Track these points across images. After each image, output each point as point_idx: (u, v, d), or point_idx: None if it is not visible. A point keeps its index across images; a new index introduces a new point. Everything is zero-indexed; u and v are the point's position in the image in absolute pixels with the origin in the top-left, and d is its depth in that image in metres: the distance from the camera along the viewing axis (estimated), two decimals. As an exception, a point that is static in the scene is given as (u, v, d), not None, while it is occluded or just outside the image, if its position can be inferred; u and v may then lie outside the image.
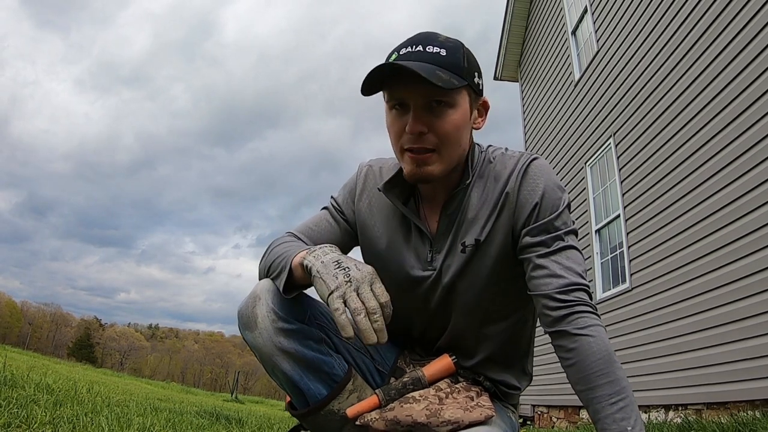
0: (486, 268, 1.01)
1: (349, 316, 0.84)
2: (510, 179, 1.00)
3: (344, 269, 0.86)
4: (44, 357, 17.11)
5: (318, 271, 0.87)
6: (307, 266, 0.90)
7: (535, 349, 1.18)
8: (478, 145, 1.08)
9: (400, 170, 1.07)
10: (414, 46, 0.93)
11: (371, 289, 0.85)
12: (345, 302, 0.83)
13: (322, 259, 0.89)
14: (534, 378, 1.22)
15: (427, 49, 0.92)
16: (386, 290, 0.86)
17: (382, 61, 0.98)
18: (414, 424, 0.92)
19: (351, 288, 0.84)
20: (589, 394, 0.86)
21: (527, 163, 1.01)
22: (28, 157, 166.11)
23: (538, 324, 1.17)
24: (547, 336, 0.94)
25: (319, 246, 0.95)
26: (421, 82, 0.88)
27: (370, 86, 0.92)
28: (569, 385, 0.90)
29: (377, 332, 0.82)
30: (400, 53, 0.94)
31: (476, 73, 0.98)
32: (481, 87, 1.00)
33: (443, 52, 0.93)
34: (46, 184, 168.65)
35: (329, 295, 0.84)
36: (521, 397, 1.20)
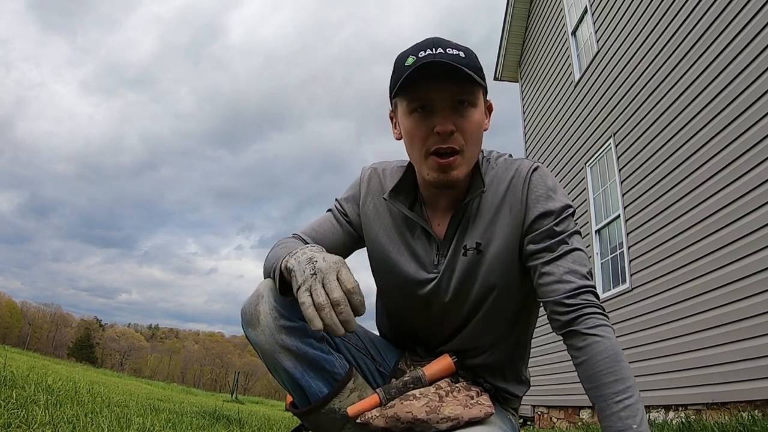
0: (488, 272, 1.01)
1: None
2: (513, 186, 1.01)
3: (312, 263, 0.86)
4: (44, 357, 17.10)
5: (293, 269, 0.88)
6: (288, 268, 0.90)
7: (535, 350, 1.19)
8: (480, 151, 1.09)
9: (405, 175, 1.09)
10: (434, 48, 0.94)
11: (337, 278, 0.83)
12: (311, 295, 0.82)
13: (299, 258, 0.89)
14: (534, 378, 1.22)
15: (447, 51, 0.93)
16: (352, 277, 0.84)
17: (390, 65, 1.00)
18: (414, 420, 0.93)
19: (317, 280, 0.83)
20: (596, 392, 0.87)
21: (531, 170, 1.02)
22: (31, 158, 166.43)
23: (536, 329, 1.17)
24: (546, 337, 0.94)
25: (306, 246, 0.94)
26: (459, 79, 0.91)
27: (408, 84, 0.93)
28: (569, 386, 0.91)
29: (344, 323, 0.80)
30: (419, 56, 0.93)
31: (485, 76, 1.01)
32: (487, 89, 1.03)
33: (462, 54, 0.94)
34: (49, 185, 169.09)
35: (297, 290, 0.84)
36: (521, 398, 1.21)
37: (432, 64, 0.90)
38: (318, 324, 0.80)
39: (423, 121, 0.96)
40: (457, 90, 0.93)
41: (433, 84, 0.93)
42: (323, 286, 0.82)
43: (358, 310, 0.82)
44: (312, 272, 0.84)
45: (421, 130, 0.97)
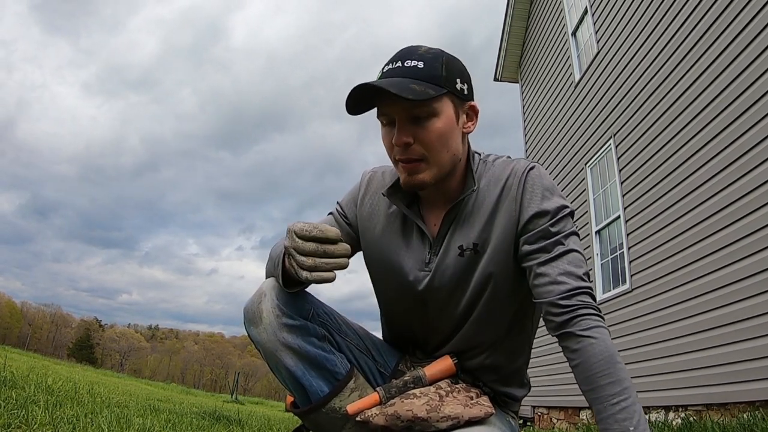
0: (483, 273, 1.01)
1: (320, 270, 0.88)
2: (509, 186, 1.02)
3: (286, 249, 0.93)
4: (44, 358, 17.10)
5: (288, 266, 0.96)
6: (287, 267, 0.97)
7: (535, 350, 1.19)
8: (477, 153, 1.10)
9: None
10: (394, 63, 0.97)
11: (298, 239, 0.88)
12: (302, 268, 0.87)
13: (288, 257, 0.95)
14: (534, 379, 1.22)
15: (405, 64, 0.96)
16: (299, 224, 0.89)
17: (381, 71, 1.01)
18: (414, 418, 0.93)
19: (295, 257, 0.88)
20: (593, 394, 0.87)
21: (527, 170, 1.02)
22: (33, 159, 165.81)
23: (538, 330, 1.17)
24: (546, 338, 0.95)
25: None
26: (395, 99, 0.92)
27: (352, 107, 0.96)
28: (569, 387, 0.91)
29: (339, 256, 0.89)
30: (384, 71, 0.98)
31: (458, 80, 0.99)
32: (465, 92, 1.01)
33: (420, 65, 0.96)
34: (50, 186, 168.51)
35: (299, 279, 0.89)
36: (521, 401, 1.21)
37: (370, 88, 0.93)
38: (329, 276, 0.88)
39: (389, 131, 1.00)
40: (408, 105, 0.95)
41: (386, 101, 0.96)
42: (300, 253, 0.88)
43: (327, 236, 0.88)
44: (288, 257, 0.94)
45: (387, 140, 1.01)
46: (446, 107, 0.98)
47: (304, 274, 0.87)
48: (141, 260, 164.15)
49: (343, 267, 0.90)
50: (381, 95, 0.93)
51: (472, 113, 1.04)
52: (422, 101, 0.93)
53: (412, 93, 0.91)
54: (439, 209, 1.08)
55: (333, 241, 0.89)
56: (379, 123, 1.02)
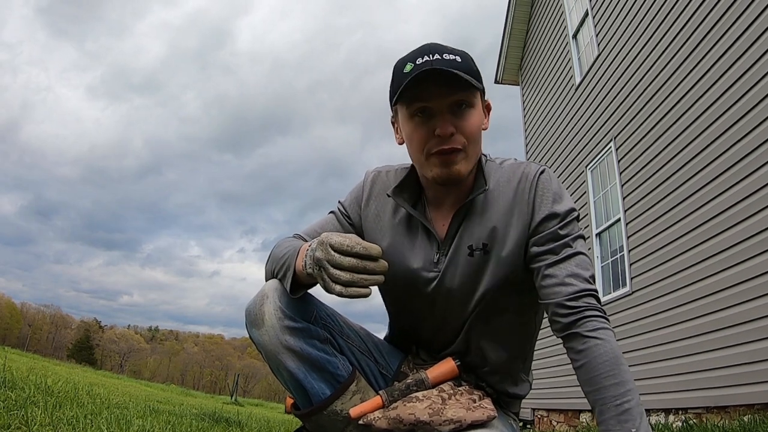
0: (494, 274, 1.02)
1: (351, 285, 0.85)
2: (521, 189, 1.03)
3: (314, 260, 0.88)
4: (44, 359, 17.08)
5: (315, 275, 0.89)
6: (310, 275, 0.92)
7: (535, 352, 1.19)
8: (483, 154, 1.10)
9: (408, 175, 1.10)
10: (431, 55, 0.96)
11: (335, 253, 0.85)
12: (336, 282, 0.84)
13: (309, 263, 0.90)
14: (534, 381, 1.22)
15: (444, 57, 0.96)
16: (341, 238, 0.86)
17: (391, 71, 1.02)
18: (417, 422, 0.93)
19: (326, 267, 0.85)
20: (596, 395, 0.87)
21: (538, 173, 1.03)
22: (36, 160, 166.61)
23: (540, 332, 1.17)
24: (547, 340, 0.95)
25: (305, 245, 0.96)
26: (456, 83, 0.94)
27: (407, 90, 0.95)
28: (569, 389, 0.91)
29: (377, 273, 0.85)
30: (417, 63, 0.96)
31: (481, 77, 1.03)
32: (484, 90, 1.05)
33: (458, 59, 0.97)
34: (53, 187, 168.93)
35: (326, 289, 0.86)
36: (522, 400, 1.21)
37: (430, 71, 0.93)
38: (366, 292, 0.85)
39: (423, 124, 0.99)
40: (454, 94, 0.96)
41: (432, 89, 0.96)
42: (334, 267, 0.84)
43: (370, 253, 0.85)
44: (317, 268, 0.87)
45: (422, 133, 0.99)
46: (479, 101, 1.02)
47: (338, 288, 0.84)
48: (143, 262, 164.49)
49: (380, 283, 0.87)
50: (433, 80, 0.94)
51: (487, 111, 1.08)
52: (474, 90, 0.97)
53: (472, 81, 0.95)
54: (447, 209, 1.08)
55: (374, 258, 0.86)
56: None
